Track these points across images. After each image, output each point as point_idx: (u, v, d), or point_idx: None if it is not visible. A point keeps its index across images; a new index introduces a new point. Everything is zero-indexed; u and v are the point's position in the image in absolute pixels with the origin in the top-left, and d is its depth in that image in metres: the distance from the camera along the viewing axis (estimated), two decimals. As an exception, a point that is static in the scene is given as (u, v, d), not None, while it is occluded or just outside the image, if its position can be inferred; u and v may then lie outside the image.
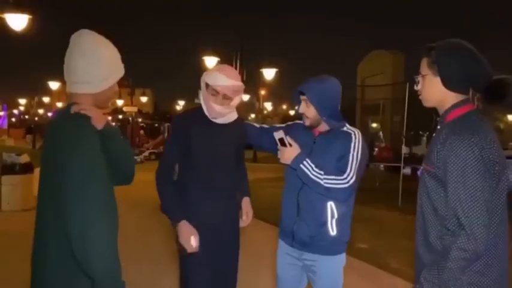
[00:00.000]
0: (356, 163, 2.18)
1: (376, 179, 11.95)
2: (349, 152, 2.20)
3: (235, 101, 2.35)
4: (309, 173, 2.17)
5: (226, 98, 2.30)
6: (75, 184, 1.39)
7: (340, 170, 2.17)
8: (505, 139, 26.46)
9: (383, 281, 4.49)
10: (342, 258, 2.34)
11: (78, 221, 1.38)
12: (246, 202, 2.56)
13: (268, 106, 47.40)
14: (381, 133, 17.37)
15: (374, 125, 20.66)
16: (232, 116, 2.44)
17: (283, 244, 2.42)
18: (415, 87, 1.74)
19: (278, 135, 2.25)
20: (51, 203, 1.47)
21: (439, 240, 1.59)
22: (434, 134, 1.73)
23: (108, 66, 1.58)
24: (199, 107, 2.40)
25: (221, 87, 2.26)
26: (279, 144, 2.24)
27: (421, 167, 1.74)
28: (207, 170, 2.36)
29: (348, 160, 2.18)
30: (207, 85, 2.31)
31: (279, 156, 2.26)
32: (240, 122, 2.51)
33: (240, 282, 4.54)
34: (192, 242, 2.24)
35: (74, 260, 1.42)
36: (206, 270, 2.33)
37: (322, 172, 2.15)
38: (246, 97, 31.36)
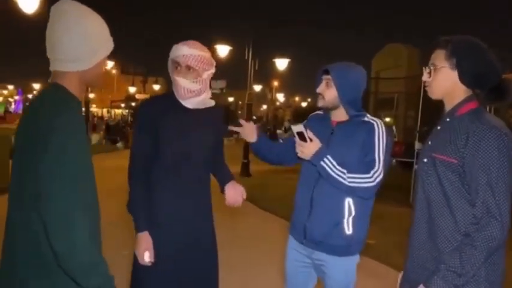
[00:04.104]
0: (382, 158, 2.04)
1: (387, 174, 11.77)
2: (374, 147, 2.05)
3: (204, 76, 2.14)
4: (330, 171, 2.01)
5: (191, 70, 2.10)
6: (55, 158, 1.26)
7: (366, 167, 2.02)
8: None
9: (391, 279, 4.43)
10: (355, 259, 2.19)
11: (59, 202, 1.25)
12: (232, 182, 2.34)
13: (280, 97, 47.20)
14: (394, 128, 17.14)
15: (387, 119, 20.44)
16: (208, 101, 2.22)
17: (293, 240, 2.28)
18: (424, 78, 1.72)
19: (297, 128, 2.07)
20: (23, 192, 1.34)
21: (453, 230, 1.60)
22: (439, 127, 1.74)
23: (97, 39, 1.44)
24: (170, 92, 2.19)
25: (182, 56, 2.08)
26: (297, 138, 2.07)
27: (424, 158, 1.73)
28: (174, 165, 2.13)
29: (374, 156, 2.04)
30: (171, 61, 2.13)
31: (297, 151, 2.09)
32: (217, 109, 2.29)
33: (249, 276, 4.48)
34: (146, 257, 2.07)
35: (48, 257, 1.30)
36: (169, 281, 2.12)
37: (344, 171, 2.00)
38: (258, 88, 31.25)
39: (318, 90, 2.18)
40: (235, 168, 11.48)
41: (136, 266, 2.18)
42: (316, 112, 2.36)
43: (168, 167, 2.13)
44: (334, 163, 2.02)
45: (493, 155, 1.51)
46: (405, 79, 14.81)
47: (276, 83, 31.96)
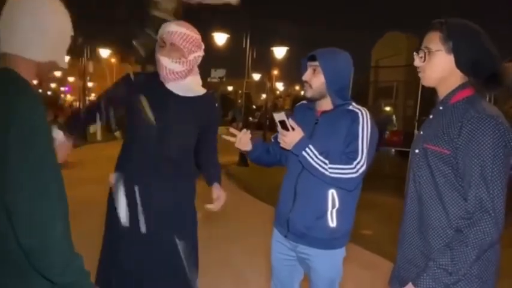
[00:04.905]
0: (366, 148, 1.95)
1: (385, 163, 11.73)
2: (358, 136, 1.96)
3: (190, 58, 2.02)
4: (311, 161, 1.94)
5: (176, 49, 1.97)
6: (20, 152, 1.17)
7: (349, 157, 1.94)
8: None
9: (387, 270, 4.39)
10: (340, 253, 2.12)
11: (29, 199, 1.17)
12: (215, 187, 2.27)
13: (280, 86, 46.95)
14: (393, 117, 17.06)
15: (387, 108, 20.35)
16: (196, 88, 2.09)
17: (278, 233, 2.21)
18: (416, 63, 1.59)
19: (279, 117, 1.98)
20: None
21: (445, 226, 1.51)
22: (431, 116, 1.63)
23: (63, 32, 1.36)
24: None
25: (168, 33, 1.96)
26: (279, 126, 1.99)
27: (415, 149, 1.63)
28: (145, 149, 2.05)
29: (357, 146, 1.95)
30: (158, 39, 2.04)
31: (279, 140, 2.03)
32: (209, 100, 2.18)
33: (238, 264, 4.44)
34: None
35: (16, 255, 1.22)
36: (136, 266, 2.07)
37: (326, 161, 1.93)
38: (257, 76, 31.07)
39: (305, 77, 2.07)
40: (232, 158, 11.40)
41: (104, 252, 2.17)
42: (301, 102, 2.28)
43: (137, 155, 2.08)
44: (316, 153, 1.95)
45: (487, 145, 1.39)
46: (405, 68, 14.72)
47: (275, 72, 31.74)
